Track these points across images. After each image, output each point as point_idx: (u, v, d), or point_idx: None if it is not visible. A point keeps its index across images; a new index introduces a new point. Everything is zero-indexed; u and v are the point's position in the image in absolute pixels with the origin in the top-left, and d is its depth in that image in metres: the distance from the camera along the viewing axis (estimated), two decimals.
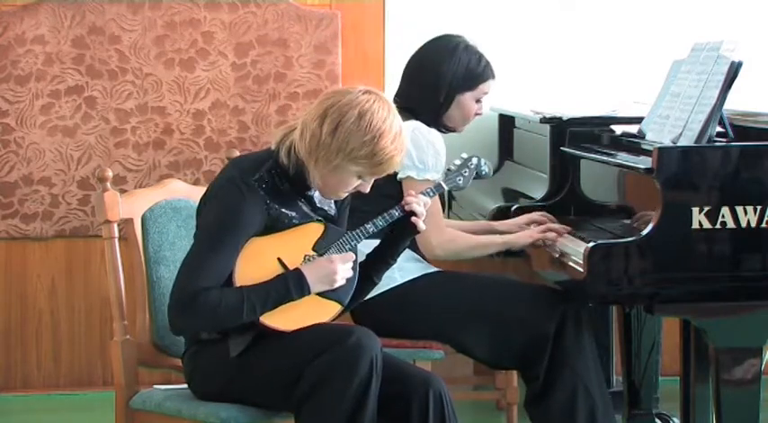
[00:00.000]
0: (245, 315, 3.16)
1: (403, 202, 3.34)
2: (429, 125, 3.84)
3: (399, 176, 3.74)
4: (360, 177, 3.24)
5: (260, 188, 3.19)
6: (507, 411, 4.48)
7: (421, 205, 3.34)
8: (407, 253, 3.80)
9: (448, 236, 3.80)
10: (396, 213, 3.32)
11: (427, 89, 3.86)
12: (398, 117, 3.24)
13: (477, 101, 3.91)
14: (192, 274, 3.16)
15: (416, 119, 3.82)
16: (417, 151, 3.74)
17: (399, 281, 3.75)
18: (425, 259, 3.89)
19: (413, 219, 3.33)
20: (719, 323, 3.31)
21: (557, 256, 3.59)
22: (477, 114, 3.93)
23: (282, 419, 3.32)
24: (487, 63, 3.91)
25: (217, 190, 3.24)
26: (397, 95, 3.92)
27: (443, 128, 3.90)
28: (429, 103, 3.85)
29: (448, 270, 3.90)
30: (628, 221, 3.59)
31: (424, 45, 3.96)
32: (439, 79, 3.84)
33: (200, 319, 3.17)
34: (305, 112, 3.27)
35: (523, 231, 3.83)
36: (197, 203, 3.65)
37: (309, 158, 3.20)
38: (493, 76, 3.92)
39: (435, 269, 3.86)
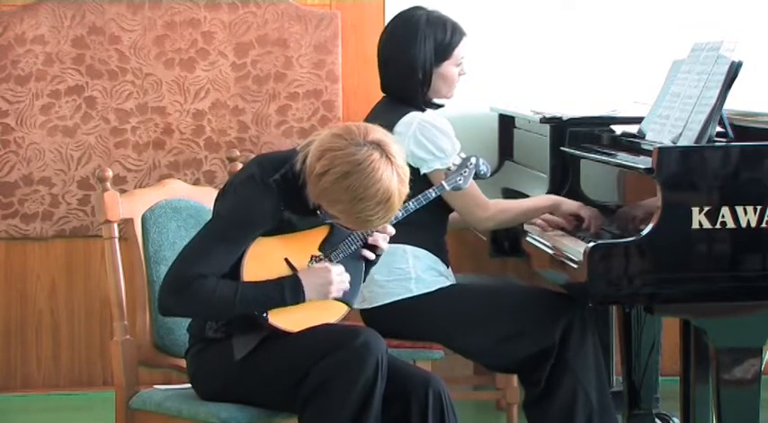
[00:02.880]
0: (236, 310, 3.17)
1: (370, 239, 3.33)
2: (420, 107, 3.84)
3: (424, 171, 3.74)
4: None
5: (276, 189, 3.19)
6: (507, 411, 4.48)
7: (385, 240, 3.33)
8: (427, 262, 3.79)
9: (496, 208, 3.79)
10: (400, 215, 3.33)
11: (404, 74, 3.84)
12: (397, 181, 3.12)
13: (458, 64, 3.90)
14: (193, 258, 3.18)
15: (411, 107, 3.82)
16: (431, 142, 3.74)
17: (415, 292, 3.75)
18: (447, 267, 3.87)
19: (364, 252, 3.32)
20: (719, 323, 3.31)
21: (557, 256, 3.59)
22: (461, 75, 3.92)
23: (283, 420, 3.32)
24: (454, 27, 3.87)
25: (236, 185, 3.26)
26: (383, 88, 3.92)
27: (433, 105, 3.90)
28: (411, 86, 3.84)
29: (462, 282, 3.89)
30: (627, 221, 3.59)
31: (387, 29, 3.93)
32: (411, 62, 3.83)
33: (191, 304, 3.18)
34: (325, 131, 3.21)
35: (579, 203, 3.82)
36: (197, 203, 3.67)
37: (306, 176, 3.19)
38: (464, 35, 3.88)
39: (452, 282, 3.85)
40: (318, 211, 3.26)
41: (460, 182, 3.52)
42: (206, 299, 3.15)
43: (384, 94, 3.94)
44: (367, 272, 3.40)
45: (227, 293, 3.15)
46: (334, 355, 3.14)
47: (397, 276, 3.73)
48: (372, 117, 3.81)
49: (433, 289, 3.77)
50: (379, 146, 3.13)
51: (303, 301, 3.21)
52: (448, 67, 3.86)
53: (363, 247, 3.33)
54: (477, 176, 3.57)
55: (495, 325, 3.70)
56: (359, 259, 3.33)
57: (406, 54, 3.82)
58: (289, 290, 3.20)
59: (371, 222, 3.16)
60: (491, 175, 4.72)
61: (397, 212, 3.31)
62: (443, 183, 3.51)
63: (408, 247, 3.72)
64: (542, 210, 3.83)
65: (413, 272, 3.75)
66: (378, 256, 3.36)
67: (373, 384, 3.14)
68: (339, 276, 3.25)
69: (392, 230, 3.36)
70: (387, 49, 3.90)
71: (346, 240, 3.29)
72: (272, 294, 3.19)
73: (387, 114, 3.75)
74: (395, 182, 3.12)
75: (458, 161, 3.56)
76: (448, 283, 3.82)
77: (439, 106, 3.92)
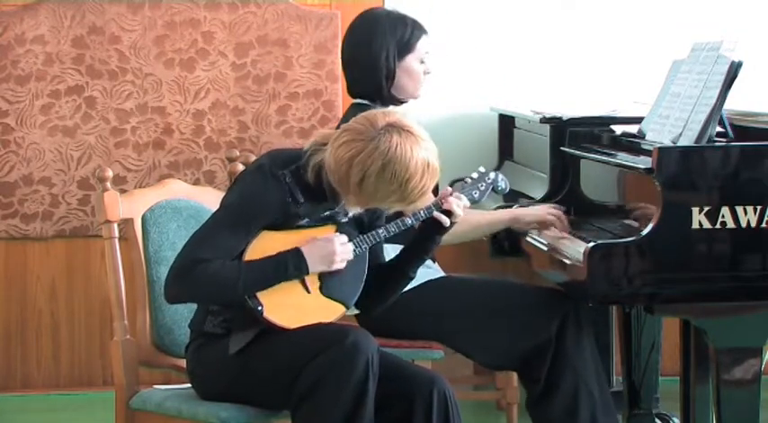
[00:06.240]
0: (240, 288, 3.17)
1: (440, 198, 3.31)
2: (385, 104, 3.85)
3: None
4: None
5: (285, 182, 3.20)
6: (507, 411, 4.48)
7: (459, 206, 3.31)
8: None
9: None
10: (409, 221, 3.31)
11: (367, 71, 3.85)
12: (426, 148, 3.16)
13: (422, 62, 3.90)
14: (198, 245, 3.20)
15: (373, 105, 3.82)
16: None
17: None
18: (433, 260, 3.88)
19: (435, 213, 3.30)
20: (719, 323, 3.31)
21: (556, 256, 3.59)
22: (426, 74, 3.93)
23: (281, 419, 3.32)
24: (414, 22, 3.89)
25: (245, 174, 3.29)
26: (349, 91, 3.93)
27: (397, 102, 3.90)
28: (375, 84, 3.85)
29: (452, 275, 3.90)
30: (628, 222, 3.59)
31: (349, 29, 3.95)
32: (374, 58, 3.84)
33: (195, 288, 3.19)
34: (334, 139, 3.19)
35: (534, 207, 3.83)
36: (197, 203, 3.68)
37: (342, 192, 3.21)
38: (425, 32, 3.90)
39: (441, 275, 3.86)
40: (330, 212, 3.27)
41: (475, 195, 3.49)
42: (210, 280, 3.16)
43: (352, 101, 3.94)
44: (434, 244, 3.36)
45: (231, 273, 3.17)
46: (324, 355, 3.14)
47: None
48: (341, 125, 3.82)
49: (422, 281, 3.77)
50: (392, 127, 3.15)
51: (307, 273, 3.22)
52: (411, 62, 3.87)
53: (437, 212, 3.29)
54: (495, 192, 3.56)
55: (489, 318, 3.70)
56: (361, 262, 3.33)
57: (367, 50, 3.84)
58: (292, 262, 3.20)
59: (426, 193, 3.19)
60: None
61: (408, 220, 3.31)
62: (458, 194, 3.49)
63: (388, 246, 3.69)
64: (500, 224, 3.84)
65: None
66: (452, 223, 3.32)
67: (365, 384, 3.14)
68: (342, 246, 3.24)
69: (467, 202, 3.35)
70: (348, 48, 3.92)
71: (352, 242, 3.29)
72: (276, 267, 3.19)
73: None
74: (424, 149, 3.16)
75: (475, 175, 3.55)
76: (437, 275, 3.83)
77: (402, 102, 3.92)
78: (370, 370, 3.14)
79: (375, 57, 3.83)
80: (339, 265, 3.24)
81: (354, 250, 3.28)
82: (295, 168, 3.22)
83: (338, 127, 3.71)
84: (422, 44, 3.88)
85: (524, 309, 3.70)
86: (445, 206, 3.30)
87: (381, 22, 3.86)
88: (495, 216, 3.86)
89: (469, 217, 3.80)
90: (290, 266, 3.21)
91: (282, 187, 3.21)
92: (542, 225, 3.79)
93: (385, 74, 3.84)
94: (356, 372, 3.13)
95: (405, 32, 3.87)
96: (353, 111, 3.84)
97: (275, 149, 3.40)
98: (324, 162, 3.20)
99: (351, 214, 3.31)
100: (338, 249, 3.23)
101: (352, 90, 3.92)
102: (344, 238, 3.26)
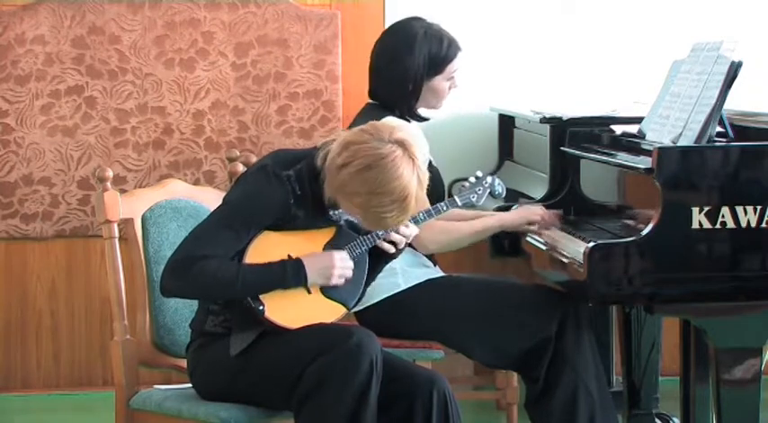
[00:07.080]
0: (237, 290, 3.17)
1: (391, 236, 3.31)
2: (404, 116, 3.84)
3: None
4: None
5: (288, 183, 3.20)
6: (507, 411, 4.48)
7: (403, 240, 3.31)
8: (413, 258, 3.80)
9: (438, 228, 3.78)
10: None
11: (394, 83, 3.85)
12: (417, 182, 3.11)
13: (449, 79, 3.90)
14: (198, 241, 3.20)
15: (392, 113, 3.82)
16: None
17: (403, 286, 3.76)
18: (433, 263, 3.88)
19: (384, 244, 3.30)
20: (719, 323, 3.31)
21: (556, 255, 3.60)
22: (451, 88, 3.93)
23: (282, 419, 3.32)
24: (450, 42, 3.88)
25: (248, 174, 3.29)
26: (370, 92, 3.92)
27: (417, 118, 3.90)
28: (399, 96, 3.86)
29: (452, 274, 3.90)
30: (628, 221, 3.59)
31: (384, 37, 3.94)
32: (404, 73, 3.84)
33: (192, 284, 3.19)
34: (352, 128, 3.23)
35: (519, 211, 3.84)
36: (197, 203, 3.68)
37: (327, 170, 3.20)
38: (459, 50, 3.89)
39: (441, 274, 3.86)
40: (331, 212, 3.27)
41: (473, 199, 3.51)
42: (208, 278, 3.16)
43: (370, 100, 3.94)
44: (379, 270, 3.40)
45: (230, 273, 3.16)
46: (327, 356, 3.14)
47: (383, 273, 3.71)
48: (354, 123, 3.81)
49: (423, 280, 3.77)
50: (403, 145, 3.13)
51: (305, 283, 3.22)
52: (439, 82, 3.88)
53: (384, 242, 3.31)
54: (492, 195, 3.56)
55: (488, 317, 3.70)
56: (362, 264, 3.33)
57: (399, 65, 3.84)
58: (291, 270, 3.20)
59: (385, 220, 3.16)
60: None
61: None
62: (456, 198, 3.50)
63: None
64: (488, 231, 3.84)
65: (398, 267, 3.75)
66: (394, 253, 3.35)
67: (368, 384, 3.14)
68: (341, 261, 3.25)
69: (415, 230, 3.35)
70: (380, 57, 3.91)
71: (351, 244, 3.29)
72: (275, 274, 3.19)
73: (366, 119, 3.74)
74: (414, 182, 3.12)
75: (473, 179, 3.56)
76: (437, 275, 3.83)
77: (424, 119, 3.92)
78: (374, 370, 3.14)
79: (402, 76, 3.84)
80: (337, 281, 3.24)
81: (354, 252, 3.28)
82: (299, 169, 3.22)
83: (351, 125, 3.72)
84: (452, 66, 3.88)
85: (524, 308, 3.71)
86: (386, 237, 3.30)
87: (418, 40, 3.84)
88: (483, 224, 3.84)
89: (459, 228, 3.81)
90: (288, 276, 3.21)
91: (285, 188, 3.20)
92: (530, 224, 3.80)
93: (410, 90, 3.84)
94: (360, 372, 3.13)
95: (439, 53, 3.86)
96: (370, 110, 3.86)
97: (280, 150, 3.40)
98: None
99: (345, 218, 3.31)
100: (337, 265, 3.24)
101: (374, 96, 3.92)
102: (345, 254, 3.26)
